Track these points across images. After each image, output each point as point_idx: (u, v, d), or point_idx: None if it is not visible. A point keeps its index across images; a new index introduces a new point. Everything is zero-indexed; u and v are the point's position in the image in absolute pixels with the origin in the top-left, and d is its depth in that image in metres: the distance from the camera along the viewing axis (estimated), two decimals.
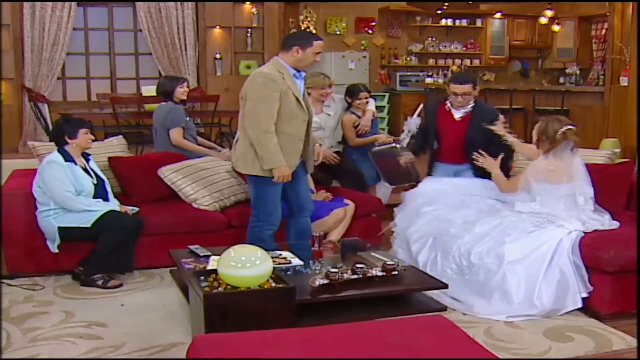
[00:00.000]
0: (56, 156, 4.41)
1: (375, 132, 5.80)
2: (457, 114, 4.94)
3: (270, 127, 4.07)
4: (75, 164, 4.44)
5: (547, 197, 4.19)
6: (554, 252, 3.90)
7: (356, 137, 5.70)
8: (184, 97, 5.75)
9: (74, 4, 9.45)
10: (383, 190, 5.78)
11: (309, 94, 5.66)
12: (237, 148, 4.31)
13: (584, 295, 3.86)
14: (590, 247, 3.87)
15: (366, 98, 5.73)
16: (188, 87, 5.86)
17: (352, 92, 5.76)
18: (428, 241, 4.38)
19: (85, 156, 4.58)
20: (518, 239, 3.97)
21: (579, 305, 3.85)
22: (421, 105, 5.83)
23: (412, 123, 5.50)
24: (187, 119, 5.73)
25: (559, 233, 3.96)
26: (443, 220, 4.40)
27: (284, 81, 4.12)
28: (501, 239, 4.01)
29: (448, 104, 4.97)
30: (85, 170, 4.51)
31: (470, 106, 4.93)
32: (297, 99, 4.18)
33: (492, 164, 4.52)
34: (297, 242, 4.33)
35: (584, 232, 3.99)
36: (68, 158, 4.42)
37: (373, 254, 4.06)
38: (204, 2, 10.05)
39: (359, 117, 5.71)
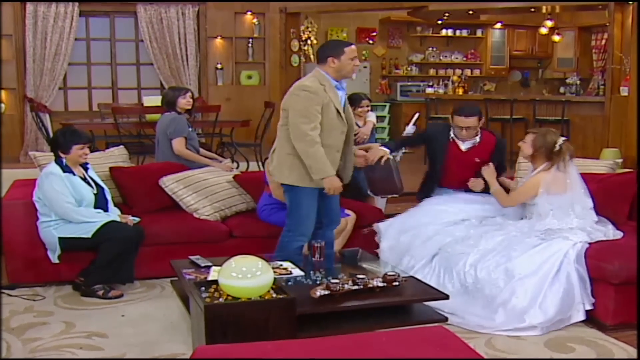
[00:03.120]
0: (54, 167, 4.40)
1: (371, 142, 5.81)
2: (463, 145, 4.72)
3: (316, 138, 4.03)
4: (74, 174, 4.43)
5: (559, 210, 4.17)
6: (560, 264, 3.89)
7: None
8: (188, 107, 5.77)
9: (76, 14, 9.48)
10: (381, 200, 5.78)
11: None
12: (274, 158, 4.29)
13: (588, 307, 3.84)
14: (595, 259, 3.86)
15: (367, 106, 5.77)
16: (192, 97, 5.88)
17: (353, 100, 5.78)
18: (429, 257, 4.34)
19: (84, 165, 4.58)
20: (525, 253, 3.96)
21: (582, 317, 3.83)
22: (417, 114, 5.85)
23: (410, 131, 5.54)
24: (190, 129, 5.74)
25: (564, 245, 3.95)
26: (447, 235, 4.37)
27: (326, 93, 4.09)
28: (508, 254, 3.99)
29: (452, 134, 4.75)
30: (85, 179, 4.51)
31: (477, 138, 4.73)
32: (338, 111, 4.15)
33: (492, 175, 4.52)
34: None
35: (589, 243, 3.98)
36: (66, 169, 4.41)
37: (374, 264, 4.06)
38: (206, 1, 10.09)
39: (359, 127, 5.73)
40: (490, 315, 3.86)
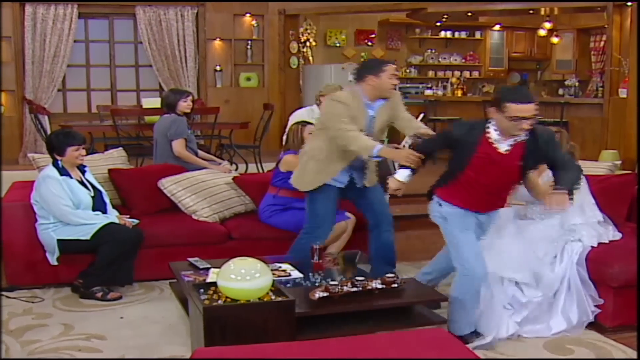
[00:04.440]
0: (51, 170, 4.39)
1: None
2: (503, 146, 3.54)
3: (349, 126, 3.99)
4: (71, 177, 4.42)
5: (575, 208, 4.14)
6: (570, 268, 3.89)
7: None
8: (188, 111, 5.77)
9: (74, 16, 9.48)
10: None
11: (320, 102, 5.74)
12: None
13: (593, 309, 3.84)
14: (595, 262, 3.86)
15: None
16: (193, 101, 5.88)
17: None
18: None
19: (81, 168, 4.57)
20: (549, 256, 3.92)
21: (591, 319, 3.83)
22: (423, 114, 5.84)
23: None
24: (189, 131, 5.75)
25: (575, 247, 3.95)
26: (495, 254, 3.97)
27: (356, 107, 4.11)
28: (534, 259, 3.91)
29: (494, 134, 3.53)
30: (82, 182, 4.50)
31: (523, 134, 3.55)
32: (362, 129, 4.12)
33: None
34: (375, 260, 4.31)
35: (591, 246, 3.97)
36: (63, 172, 4.40)
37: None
38: (205, 1, 10.09)
39: None
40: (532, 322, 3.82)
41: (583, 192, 4.14)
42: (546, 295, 3.84)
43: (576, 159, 4.14)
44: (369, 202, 4.38)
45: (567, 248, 3.94)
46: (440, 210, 3.75)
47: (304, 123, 5.00)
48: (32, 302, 4.29)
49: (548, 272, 3.86)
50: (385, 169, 5.45)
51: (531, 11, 11.02)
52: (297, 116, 5.66)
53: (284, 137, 5.27)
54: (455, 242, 3.70)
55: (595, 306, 3.84)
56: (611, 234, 4.15)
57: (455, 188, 3.68)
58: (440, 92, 10.97)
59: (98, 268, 4.34)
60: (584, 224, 4.05)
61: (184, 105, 5.73)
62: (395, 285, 3.59)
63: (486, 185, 3.62)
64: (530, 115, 3.40)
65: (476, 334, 3.65)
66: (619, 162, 5.57)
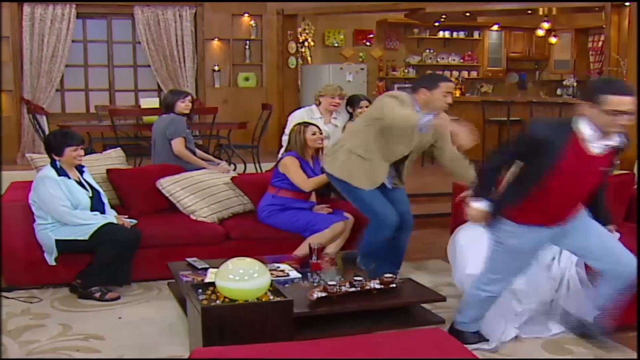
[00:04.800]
0: (49, 171, 4.39)
1: None
2: (597, 148, 3.18)
3: (401, 108, 3.96)
4: (69, 177, 4.42)
5: None
6: (569, 269, 3.88)
7: None
8: (186, 112, 5.76)
9: (73, 16, 9.47)
10: None
11: (319, 102, 5.74)
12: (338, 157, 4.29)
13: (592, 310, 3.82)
14: None
15: (367, 106, 5.79)
16: (192, 101, 5.87)
17: (352, 101, 5.86)
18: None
19: (79, 168, 4.57)
20: (546, 259, 3.90)
21: (590, 320, 3.82)
22: None
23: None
24: (188, 131, 5.75)
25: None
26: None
27: (409, 108, 4.04)
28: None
29: (587, 132, 3.14)
30: (80, 183, 4.49)
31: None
32: (408, 134, 4.12)
33: None
34: (383, 259, 4.24)
35: None
36: (61, 172, 4.39)
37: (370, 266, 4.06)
38: (204, 1, 10.09)
39: None
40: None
41: None
42: (541, 302, 3.82)
43: None
44: (394, 203, 4.31)
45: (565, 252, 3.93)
46: (509, 232, 3.33)
47: (306, 124, 5.01)
48: (31, 302, 4.28)
49: (544, 280, 3.84)
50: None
51: (529, 11, 11.02)
52: (296, 117, 5.66)
53: (283, 138, 5.28)
54: (513, 265, 3.45)
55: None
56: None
57: (533, 204, 3.21)
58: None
59: (96, 268, 4.34)
60: None
61: (183, 105, 5.73)
62: (394, 285, 3.59)
63: (572, 194, 3.26)
64: (629, 109, 3.05)
65: (479, 335, 3.64)
66: (617, 162, 5.57)
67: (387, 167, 4.23)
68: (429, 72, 11.68)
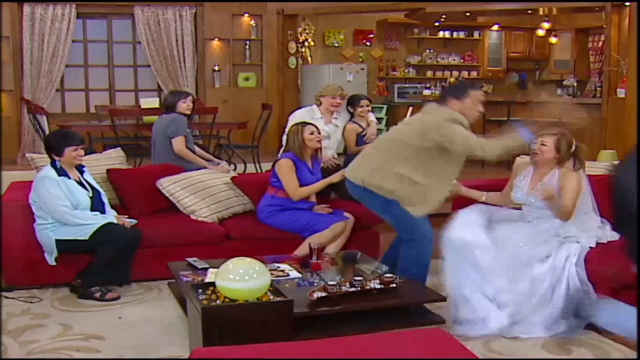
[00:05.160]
0: (49, 171, 4.39)
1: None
2: None
3: (480, 141, 3.82)
4: (69, 177, 4.41)
5: (590, 214, 4.09)
6: (564, 270, 3.87)
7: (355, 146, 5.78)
8: (187, 112, 5.77)
9: (73, 16, 9.48)
10: None
11: (320, 103, 5.74)
12: (376, 168, 4.04)
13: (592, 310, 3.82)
14: (594, 262, 3.85)
15: (367, 106, 5.83)
16: (193, 102, 5.87)
17: (353, 101, 5.89)
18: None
19: (80, 168, 4.57)
20: (534, 259, 3.89)
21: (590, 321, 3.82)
22: (411, 108, 5.89)
23: None
24: (188, 130, 5.75)
25: (574, 248, 3.92)
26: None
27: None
28: (512, 264, 3.87)
29: None
30: (80, 183, 4.49)
31: None
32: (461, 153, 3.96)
33: None
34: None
35: (589, 247, 3.96)
36: (61, 172, 4.39)
37: (371, 266, 4.06)
38: (204, 1, 10.09)
39: (362, 128, 5.80)
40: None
41: (585, 204, 4.11)
42: (519, 304, 3.78)
43: (583, 162, 4.12)
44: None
45: (564, 247, 3.93)
46: None
47: (304, 124, 5.00)
48: (31, 302, 4.28)
49: (525, 280, 3.82)
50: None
51: (529, 11, 11.03)
52: (296, 117, 5.66)
53: (284, 138, 5.28)
54: None
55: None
56: (609, 234, 4.14)
57: None
58: (438, 93, 10.96)
59: (96, 268, 4.34)
60: (579, 231, 4.04)
61: (184, 106, 5.73)
62: (394, 285, 3.59)
63: None
64: None
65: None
66: (617, 162, 5.57)
67: (446, 192, 4.02)
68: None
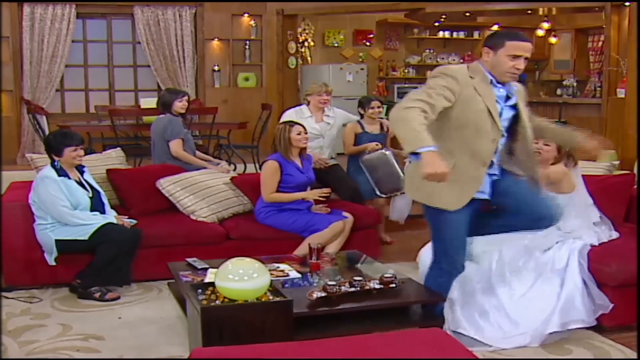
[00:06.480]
0: (49, 171, 4.38)
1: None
2: None
3: (415, 104, 3.06)
4: (69, 178, 4.41)
5: (575, 208, 4.10)
6: (569, 267, 3.86)
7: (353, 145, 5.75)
8: (183, 111, 5.77)
9: (72, 16, 9.48)
10: (400, 205, 5.69)
11: (308, 102, 5.72)
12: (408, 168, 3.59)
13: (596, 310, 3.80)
14: (594, 261, 3.84)
15: (378, 107, 5.76)
16: (188, 101, 5.88)
17: (363, 103, 5.84)
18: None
19: (80, 169, 4.56)
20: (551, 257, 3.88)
21: (594, 322, 3.79)
22: None
23: None
24: (186, 131, 5.75)
25: (577, 244, 3.92)
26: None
27: (469, 84, 3.23)
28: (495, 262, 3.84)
29: None
30: (80, 183, 4.49)
31: None
32: (490, 111, 3.25)
33: None
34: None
35: (590, 245, 3.95)
36: (61, 173, 4.39)
37: (371, 266, 4.06)
38: (204, 1, 10.09)
39: (363, 129, 5.74)
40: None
41: (581, 193, 4.13)
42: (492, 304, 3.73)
43: (576, 160, 4.13)
44: (518, 199, 3.46)
45: (567, 242, 3.92)
46: None
47: (292, 123, 4.98)
48: (30, 303, 4.28)
49: (528, 274, 3.81)
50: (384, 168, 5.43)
51: (529, 11, 11.01)
52: (286, 117, 5.65)
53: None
54: None
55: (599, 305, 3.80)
56: (608, 233, 4.14)
57: None
58: None
59: (96, 268, 4.34)
60: (582, 227, 4.03)
61: (179, 105, 5.73)
62: (394, 285, 3.59)
63: None
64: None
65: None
66: (617, 162, 5.57)
67: (482, 172, 3.35)
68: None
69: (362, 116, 5.83)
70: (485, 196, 3.44)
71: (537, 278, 3.79)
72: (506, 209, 3.55)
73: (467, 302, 3.69)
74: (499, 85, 3.33)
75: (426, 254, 3.97)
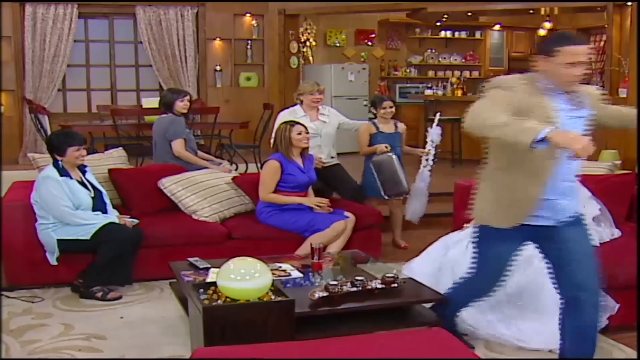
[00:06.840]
0: (51, 171, 4.39)
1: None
2: None
3: (488, 112, 2.81)
4: (71, 177, 4.42)
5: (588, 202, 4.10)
6: None
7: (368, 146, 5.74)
8: (184, 111, 5.77)
9: (74, 15, 9.48)
10: (415, 206, 5.65)
11: (301, 101, 5.72)
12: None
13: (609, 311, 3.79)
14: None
15: (390, 107, 5.75)
16: (190, 101, 5.88)
17: (375, 102, 5.86)
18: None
19: (82, 168, 4.57)
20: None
21: (601, 325, 3.78)
22: (439, 114, 5.82)
23: (434, 133, 5.54)
24: (188, 131, 5.75)
25: None
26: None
27: (525, 95, 2.96)
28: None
29: None
30: (82, 183, 4.50)
31: None
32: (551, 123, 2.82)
33: None
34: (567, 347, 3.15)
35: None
36: (63, 172, 4.39)
37: (373, 266, 4.06)
38: (206, 1, 10.09)
39: (378, 129, 5.73)
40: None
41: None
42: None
43: None
44: (568, 255, 3.04)
45: None
46: None
47: (293, 123, 4.98)
48: (32, 302, 4.29)
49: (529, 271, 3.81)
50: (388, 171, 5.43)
51: (531, 11, 11.01)
52: (281, 117, 5.65)
53: (271, 139, 5.26)
54: None
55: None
56: (608, 231, 4.13)
57: None
58: (440, 92, 10.96)
59: (98, 268, 4.34)
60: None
61: (181, 105, 5.74)
62: (395, 285, 3.59)
63: None
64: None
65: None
66: (618, 162, 5.58)
67: (540, 190, 2.98)
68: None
69: (374, 116, 5.85)
70: (544, 222, 3.05)
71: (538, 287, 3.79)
72: (550, 256, 3.14)
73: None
74: (560, 95, 2.98)
75: (414, 268, 4.08)
